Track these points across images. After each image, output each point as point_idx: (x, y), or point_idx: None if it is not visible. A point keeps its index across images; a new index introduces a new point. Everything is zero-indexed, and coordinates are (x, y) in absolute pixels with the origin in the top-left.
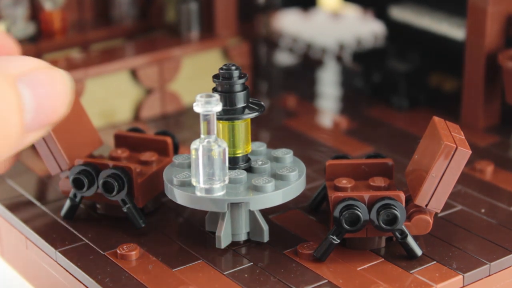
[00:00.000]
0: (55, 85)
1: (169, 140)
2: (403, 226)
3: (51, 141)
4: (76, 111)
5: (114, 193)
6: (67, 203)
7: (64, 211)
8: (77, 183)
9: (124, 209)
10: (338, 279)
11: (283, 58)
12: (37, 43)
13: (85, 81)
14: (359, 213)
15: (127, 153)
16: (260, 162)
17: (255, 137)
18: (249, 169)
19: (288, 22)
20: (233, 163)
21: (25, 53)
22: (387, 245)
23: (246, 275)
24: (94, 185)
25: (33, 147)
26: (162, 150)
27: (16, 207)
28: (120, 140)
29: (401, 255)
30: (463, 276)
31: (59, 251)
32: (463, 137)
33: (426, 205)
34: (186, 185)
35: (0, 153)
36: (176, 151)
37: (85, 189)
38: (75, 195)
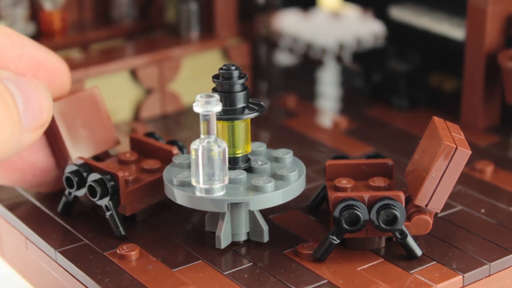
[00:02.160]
0: (37, 88)
1: (175, 150)
2: (403, 226)
3: (58, 135)
4: (93, 108)
5: (97, 198)
6: (62, 199)
7: (60, 207)
8: (68, 182)
9: (106, 215)
10: (338, 279)
11: (283, 58)
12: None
13: (85, 81)
14: (359, 213)
15: (136, 157)
16: (260, 162)
17: (255, 137)
18: (249, 169)
19: (288, 22)
20: (233, 163)
21: None
22: (387, 245)
23: (246, 275)
24: (84, 186)
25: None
26: (168, 159)
27: (16, 207)
28: (134, 143)
29: (401, 255)
30: (463, 276)
31: (59, 251)
32: (463, 137)
33: (426, 205)
34: (186, 185)
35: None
36: None
37: (74, 189)
38: (69, 193)
